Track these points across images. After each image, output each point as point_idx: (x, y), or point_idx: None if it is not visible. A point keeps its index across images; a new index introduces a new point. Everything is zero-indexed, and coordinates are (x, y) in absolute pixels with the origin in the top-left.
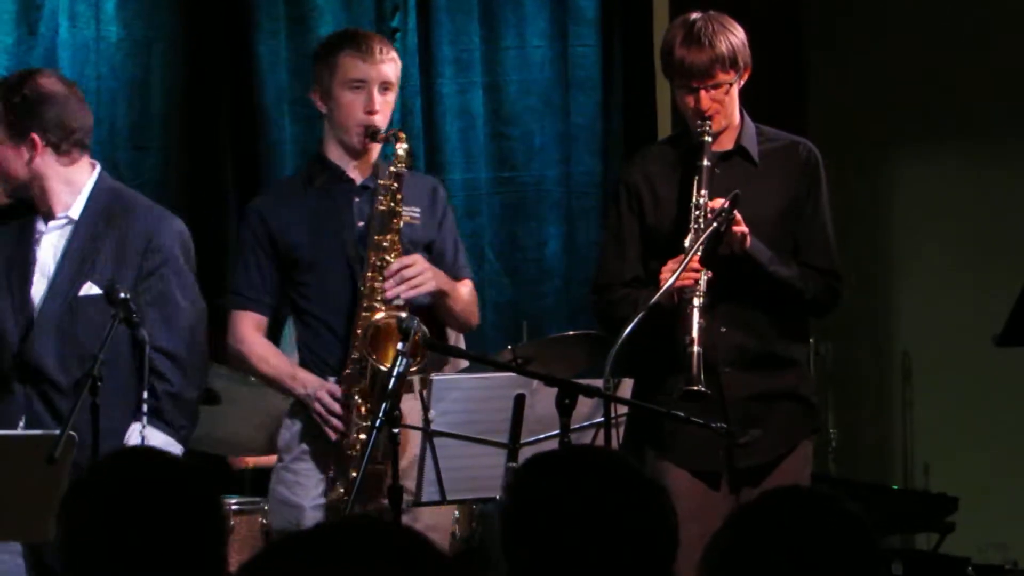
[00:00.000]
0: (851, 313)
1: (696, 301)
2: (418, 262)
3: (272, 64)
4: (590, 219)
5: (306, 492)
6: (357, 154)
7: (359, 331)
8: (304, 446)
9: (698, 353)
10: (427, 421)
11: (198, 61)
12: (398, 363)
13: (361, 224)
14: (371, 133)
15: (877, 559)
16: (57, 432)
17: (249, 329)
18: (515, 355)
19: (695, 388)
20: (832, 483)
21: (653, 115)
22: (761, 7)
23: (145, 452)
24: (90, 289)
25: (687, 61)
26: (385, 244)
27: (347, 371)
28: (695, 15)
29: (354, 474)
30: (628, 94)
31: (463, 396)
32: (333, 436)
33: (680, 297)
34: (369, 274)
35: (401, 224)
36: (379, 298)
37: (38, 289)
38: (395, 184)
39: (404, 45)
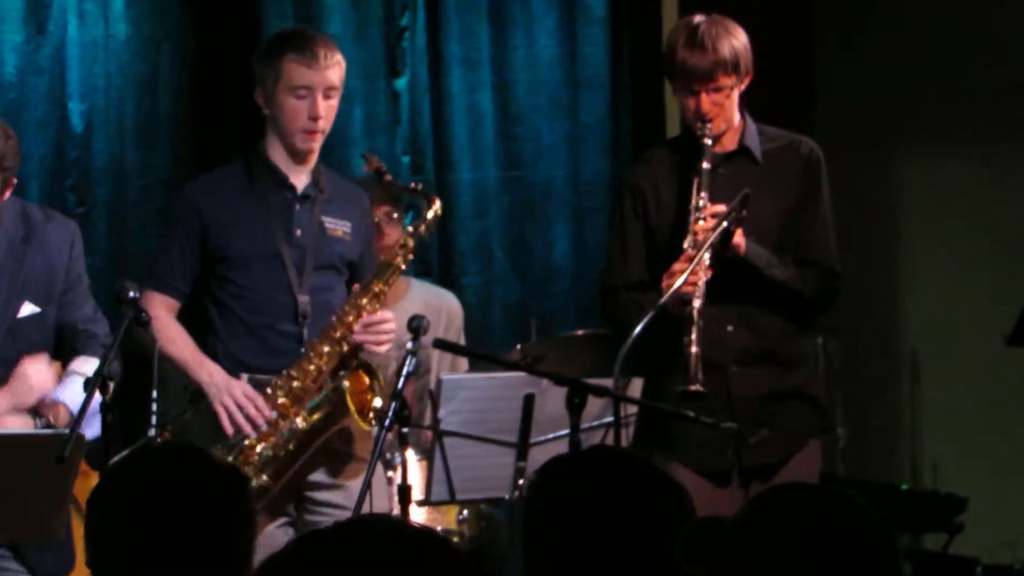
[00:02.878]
0: (860, 312)
1: (696, 302)
2: (390, 322)
3: None
4: (599, 219)
5: None
6: (299, 158)
7: (326, 348)
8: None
9: (696, 354)
10: (436, 420)
11: (207, 60)
12: (407, 362)
13: (299, 233)
14: (380, 173)
15: (894, 556)
16: (66, 431)
17: (161, 309)
18: (524, 354)
19: (693, 388)
20: (840, 483)
21: (662, 115)
22: (771, 6)
23: (173, 449)
24: (28, 309)
25: (689, 64)
26: (376, 291)
27: (281, 382)
28: (698, 18)
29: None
30: (637, 94)
31: (472, 395)
32: (230, 431)
33: (680, 299)
34: (345, 307)
35: (396, 277)
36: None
37: None
38: (411, 243)
39: (413, 44)
